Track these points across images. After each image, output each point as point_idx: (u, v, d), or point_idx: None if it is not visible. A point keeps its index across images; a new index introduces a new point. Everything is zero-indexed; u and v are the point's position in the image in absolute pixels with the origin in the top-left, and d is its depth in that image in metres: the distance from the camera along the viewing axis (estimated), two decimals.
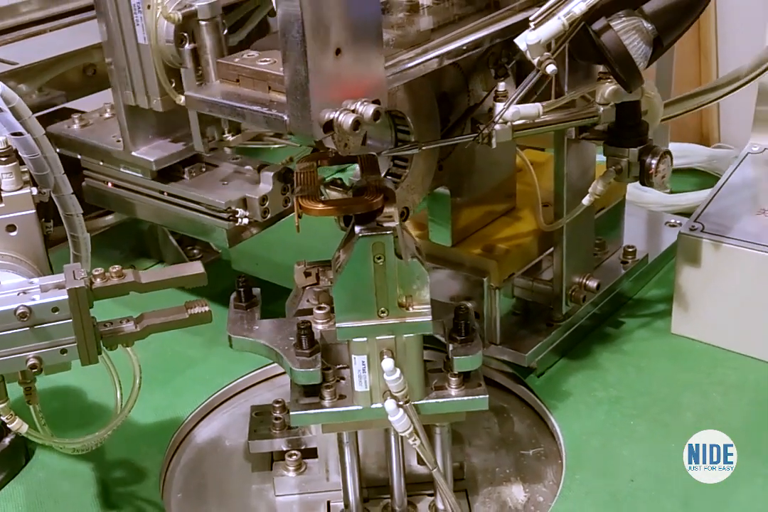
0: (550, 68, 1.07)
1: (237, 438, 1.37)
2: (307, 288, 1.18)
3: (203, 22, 1.18)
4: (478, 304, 1.38)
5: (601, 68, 1.21)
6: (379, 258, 1.02)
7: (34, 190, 1.07)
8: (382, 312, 1.04)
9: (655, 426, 1.31)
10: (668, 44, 1.15)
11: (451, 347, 1.09)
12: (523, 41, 1.08)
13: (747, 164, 1.54)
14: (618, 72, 1.13)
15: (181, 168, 1.37)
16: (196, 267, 1.04)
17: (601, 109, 1.23)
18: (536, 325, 1.45)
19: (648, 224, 1.74)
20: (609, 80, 1.20)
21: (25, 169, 1.07)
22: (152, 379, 1.31)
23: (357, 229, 1.01)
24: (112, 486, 1.27)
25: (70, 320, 0.97)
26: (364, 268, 1.02)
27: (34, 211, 1.07)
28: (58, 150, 1.37)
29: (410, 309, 1.05)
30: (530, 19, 1.08)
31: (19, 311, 0.95)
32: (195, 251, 1.74)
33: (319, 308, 1.13)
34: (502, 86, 1.16)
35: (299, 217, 1.04)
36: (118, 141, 1.37)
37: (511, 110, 1.14)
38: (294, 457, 1.28)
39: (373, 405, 1.08)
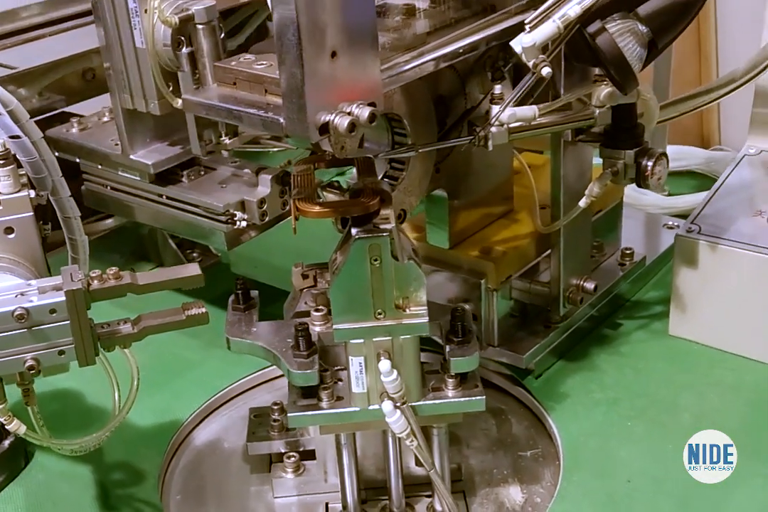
0: (545, 71, 1.08)
1: (236, 440, 1.37)
2: (305, 290, 1.18)
3: (200, 26, 1.18)
4: (476, 306, 1.38)
5: (597, 71, 1.22)
6: (375, 259, 1.02)
7: (32, 193, 1.07)
8: (379, 313, 1.05)
9: (653, 427, 1.31)
10: (663, 46, 1.16)
11: (448, 348, 1.10)
12: (518, 44, 1.09)
13: (744, 166, 1.54)
14: (613, 74, 1.13)
15: (180, 171, 1.38)
16: (193, 269, 1.05)
17: (597, 111, 1.23)
18: (534, 327, 1.45)
19: (646, 226, 1.74)
20: (605, 83, 1.21)
21: (23, 172, 1.07)
22: (151, 382, 1.31)
23: (354, 230, 1.02)
24: (111, 488, 1.28)
25: (68, 322, 0.98)
26: (360, 270, 1.02)
27: (31, 213, 1.08)
28: (57, 154, 1.38)
29: (407, 310, 1.05)
30: (526, 22, 1.09)
31: (16, 313, 0.96)
32: (194, 255, 1.75)
33: (317, 310, 1.13)
34: (498, 89, 1.16)
35: (296, 219, 1.05)
36: (117, 144, 1.37)
37: (507, 112, 1.14)
38: (292, 459, 1.28)
39: (371, 407, 1.09)
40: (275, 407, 1.29)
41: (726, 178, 1.52)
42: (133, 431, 1.35)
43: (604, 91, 1.21)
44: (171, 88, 1.24)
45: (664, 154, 1.29)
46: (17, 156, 1.05)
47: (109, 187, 1.44)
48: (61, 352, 1.00)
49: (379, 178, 1.21)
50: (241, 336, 1.14)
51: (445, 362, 1.10)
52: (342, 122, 0.94)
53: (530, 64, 1.09)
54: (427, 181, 1.28)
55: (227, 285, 1.21)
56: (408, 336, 1.06)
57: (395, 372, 1.05)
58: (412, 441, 1.08)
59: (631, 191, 1.66)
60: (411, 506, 1.23)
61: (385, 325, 1.05)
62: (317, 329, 1.12)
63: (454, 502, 1.16)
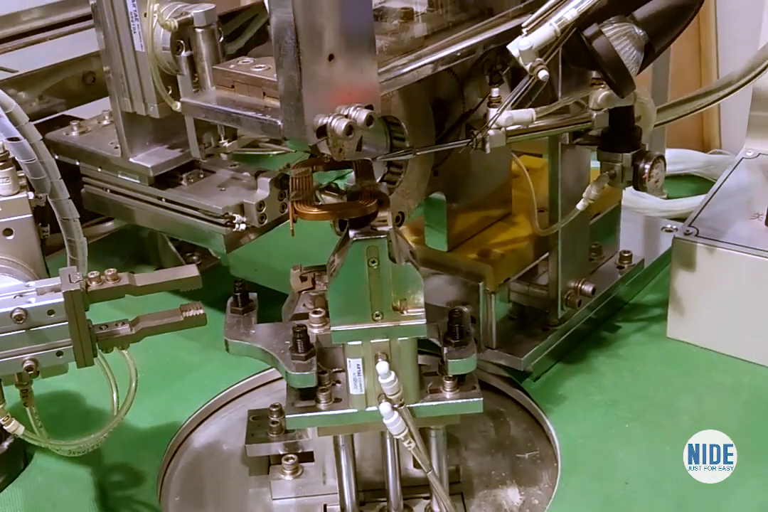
0: (542, 74, 1.09)
1: (234, 442, 1.38)
2: (303, 292, 1.19)
3: (199, 30, 1.18)
4: (475, 309, 1.39)
5: (594, 74, 1.22)
6: (373, 261, 1.02)
7: (31, 195, 1.08)
8: (377, 315, 1.05)
9: (651, 429, 1.31)
10: (660, 50, 1.17)
11: (445, 350, 1.10)
12: (515, 47, 1.09)
13: (741, 169, 1.55)
14: (610, 77, 1.14)
15: (179, 174, 1.38)
16: (191, 271, 1.05)
17: (595, 114, 1.24)
18: (532, 330, 1.46)
19: (644, 229, 1.75)
20: (602, 86, 1.21)
21: (22, 174, 1.08)
22: (150, 384, 1.32)
23: (351, 233, 1.02)
24: (110, 490, 1.28)
25: (66, 323, 0.98)
26: (358, 272, 1.03)
27: (30, 215, 1.08)
28: (57, 157, 1.39)
29: (405, 312, 1.06)
30: (523, 25, 1.09)
31: (15, 313, 0.96)
32: (194, 258, 1.75)
33: (315, 312, 1.14)
34: (495, 92, 1.17)
35: (294, 221, 1.05)
36: (116, 147, 1.38)
37: (505, 115, 1.15)
38: (291, 461, 1.28)
39: (368, 408, 1.09)
40: (274, 409, 1.30)
41: (724, 181, 1.52)
42: (133, 433, 1.35)
43: (601, 94, 1.22)
44: (170, 92, 1.25)
45: (662, 157, 1.29)
46: (16, 158, 1.05)
47: (108, 190, 1.45)
48: (59, 353, 1.00)
49: (378, 180, 1.22)
50: (240, 338, 1.14)
51: (443, 364, 1.10)
52: (339, 125, 0.94)
53: (527, 67, 1.09)
54: (425, 183, 1.29)
55: (227, 288, 1.21)
56: (406, 338, 1.06)
57: (393, 373, 1.05)
58: (410, 442, 1.08)
59: (629, 194, 1.66)
60: (409, 508, 1.23)
61: (383, 327, 1.05)
62: (315, 331, 1.13)
63: (452, 504, 1.16)
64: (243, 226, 1.33)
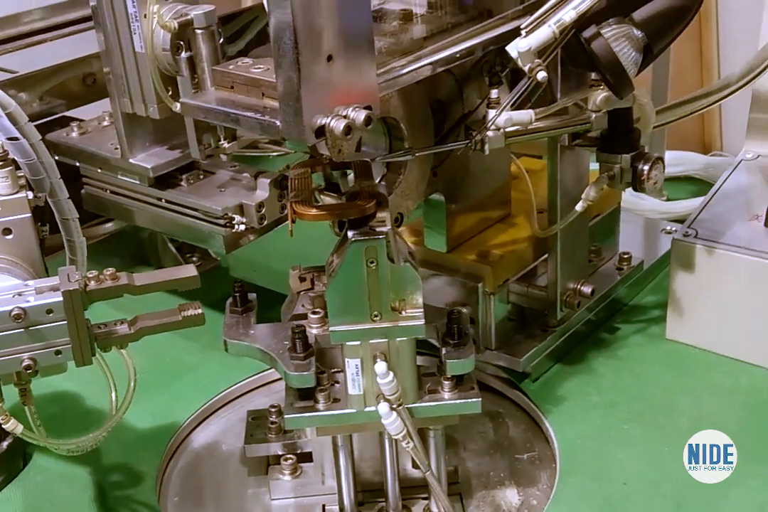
0: (541, 75, 1.09)
1: (233, 442, 1.38)
2: (302, 293, 1.19)
3: (199, 31, 1.18)
4: (474, 310, 1.39)
5: (593, 75, 1.22)
6: (371, 262, 1.03)
7: (30, 194, 1.08)
8: (375, 316, 1.05)
9: (650, 430, 1.31)
10: (659, 51, 1.17)
11: (444, 351, 1.10)
12: (514, 49, 1.09)
13: (740, 171, 1.55)
14: (608, 79, 1.14)
15: (179, 175, 1.39)
16: (189, 270, 1.05)
17: (594, 115, 1.24)
18: (531, 331, 1.46)
19: (644, 231, 1.75)
20: (601, 87, 1.21)
21: (22, 174, 1.08)
22: (150, 384, 1.32)
23: (350, 233, 1.02)
24: (109, 490, 1.28)
25: (65, 322, 0.98)
26: (357, 272, 1.03)
27: (29, 214, 1.08)
28: (57, 157, 1.39)
29: (403, 312, 1.06)
30: (521, 26, 1.10)
31: (13, 313, 0.97)
32: (194, 258, 1.75)
33: (314, 313, 1.14)
34: (494, 93, 1.17)
35: (293, 221, 1.05)
36: (116, 148, 1.38)
37: (504, 117, 1.15)
38: (289, 461, 1.28)
39: (367, 409, 1.09)
40: (273, 410, 1.30)
41: (723, 183, 1.53)
42: (132, 433, 1.35)
43: (600, 95, 1.22)
44: (170, 93, 1.25)
45: (661, 159, 1.29)
46: (15, 158, 1.06)
47: (108, 191, 1.45)
48: (58, 352, 1.00)
49: (377, 181, 1.22)
50: (239, 338, 1.15)
51: (442, 364, 1.11)
52: (338, 125, 0.94)
53: (526, 68, 1.09)
54: (424, 184, 1.29)
55: (226, 288, 1.21)
56: (404, 339, 1.07)
57: (391, 374, 1.06)
58: (408, 443, 1.09)
59: (629, 196, 1.66)
60: (408, 508, 1.23)
61: (382, 327, 1.06)
62: (314, 331, 1.13)
63: (451, 504, 1.16)
64: (242, 227, 1.33)
